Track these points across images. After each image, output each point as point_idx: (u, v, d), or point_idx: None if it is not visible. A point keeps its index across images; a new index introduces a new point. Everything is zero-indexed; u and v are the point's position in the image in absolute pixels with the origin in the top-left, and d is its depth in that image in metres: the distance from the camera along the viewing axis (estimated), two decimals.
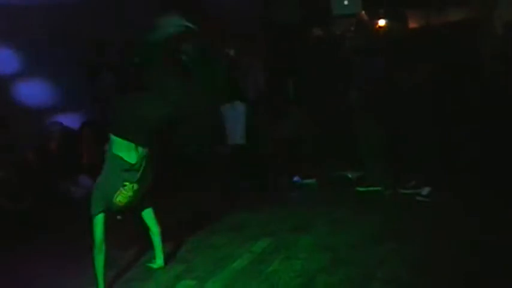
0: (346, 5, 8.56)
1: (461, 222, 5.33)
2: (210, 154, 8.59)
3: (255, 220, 6.08)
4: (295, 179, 7.51)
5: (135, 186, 4.52)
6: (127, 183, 4.47)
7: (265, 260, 4.87)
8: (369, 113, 6.79)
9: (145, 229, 4.91)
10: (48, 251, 5.77)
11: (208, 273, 4.72)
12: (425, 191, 6.31)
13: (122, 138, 4.51)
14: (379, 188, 6.68)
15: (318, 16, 8.66)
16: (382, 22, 9.50)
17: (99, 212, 4.46)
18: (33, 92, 8.05)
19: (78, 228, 6.18)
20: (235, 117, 8.11)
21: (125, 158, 4.49)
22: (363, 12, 8.69)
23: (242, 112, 8.08)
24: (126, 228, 5.09)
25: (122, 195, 4.48)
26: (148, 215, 4.84)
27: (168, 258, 5.05)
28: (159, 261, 4.95)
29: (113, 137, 4.54)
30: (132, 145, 4.51)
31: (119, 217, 4.62)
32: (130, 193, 4.50)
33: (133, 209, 4.71)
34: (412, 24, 8.54)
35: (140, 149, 4.54)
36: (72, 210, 6.85)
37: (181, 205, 6.75)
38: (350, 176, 7.16)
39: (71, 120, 8.25)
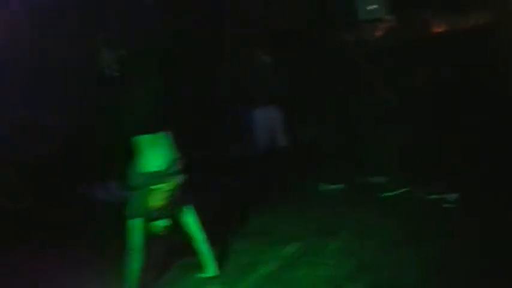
0: (371, 10, 8.57)
1: (488, 228, 5.28)
2: (231, 156, 8.71)
3: (283, 224, 6.11)
4: (321, 183, 7.54)
5: (165, 186, 4.53)
6: (157, 184, 4.50)
7: (293, 266, 4.88)
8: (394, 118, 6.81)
9: (187, 240, 4.86)
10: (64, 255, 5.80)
11: (235, 279, 4.75)
12: (453, 197, 6.28)
13: (142, 134, 4.56)
14: (406, 189, 6.68)
15: (339, 20, 8.65)
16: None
17: (135, 217, 4.49)
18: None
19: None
20: (266, 121, 8.08)
21: (151, 160, 4.52)
22: (387, 17, 8.69)
23: (276, 115, 8.06)
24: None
25: (154, 197, 4.51)
26: (191, 222, 4.79)
27: (192, 264, 5.01)
28: (211, 269, 4.85)
29: (135, 139, 4.58)
30: (157, 146, 4.54)
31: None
32: (161, 194, 4.52)
33: (172, 215, 4.71)
34: (436, 29, 8.52)
35: (165, 149, 4.57)
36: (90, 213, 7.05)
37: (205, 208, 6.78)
38: (376, 181, 7.17)
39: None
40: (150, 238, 4.63)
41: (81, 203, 7.38)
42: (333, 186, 7.38)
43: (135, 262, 4.47)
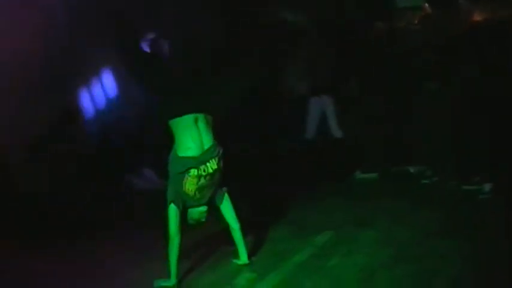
0: None
1: None
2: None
3: (317, 213, 6.09)
4: (357, 172, 7.49)
5: (201, 171, 4.49)
6: (192, 170, 4.46)
7: (326, 254, 4.85)
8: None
9: (226, 225, 4.89)
10: (109, 245, 5.87)
11: (268, 267, 4.72)
12: (487, 187, 6.19)
13: (178, 116, 4.52)
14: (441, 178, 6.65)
15: (378, 9, 8.52)
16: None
17: (171, 202, 4.51)
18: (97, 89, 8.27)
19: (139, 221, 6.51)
20: (320, 111, 8.05)
21: (186, 142, 4.49)
22: (426, 4, 8.53)
23: (330, 105, 7.99)
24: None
25: (189, 183, 4.48)
26: (227, 210, 4.79)
27: (227, 251, 5.05)
28: (243, 257, 4.85)
29: (171, 122, 4.56)
30: (194, 130, 4.51)
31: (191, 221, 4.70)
32: (197, 180, 4.48)
33: (210, 203, 4.71)
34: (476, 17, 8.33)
35: (203, 133, 4.54)
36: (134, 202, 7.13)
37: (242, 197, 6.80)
38: (412, 170, 7.10)
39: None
40: (188, 224, 4.67)
41: (129, 193, 7.53)
42: (368, 175, 7.33)
43: (174, 247, 4.48)
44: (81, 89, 8.09)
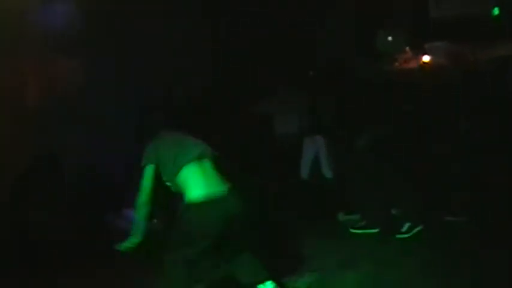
0: (391, 42, 8.58)
1: None
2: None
3: (300, 253, 6.02)
4: (340, 214, 7.47)
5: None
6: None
7: None
8: None
9: None
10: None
11: None
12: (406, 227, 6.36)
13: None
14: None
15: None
16: (426, 58, 9.51)
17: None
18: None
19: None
20: (312, 151, 8.11)
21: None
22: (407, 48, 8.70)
23: (322, 145, 8.04)
24: None
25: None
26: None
27: None
28: None
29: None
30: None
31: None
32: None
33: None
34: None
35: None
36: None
37: None
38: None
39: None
40: None
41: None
42: (351, 217, 7.30)
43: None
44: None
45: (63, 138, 7.79)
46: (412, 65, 9.50)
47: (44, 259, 6.19)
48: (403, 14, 9.65)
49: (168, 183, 4.42)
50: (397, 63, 8.76)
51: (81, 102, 8.06)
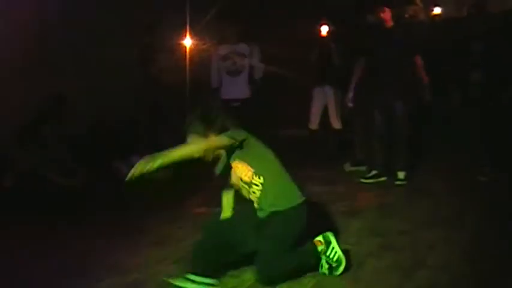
0: None
1: None
2: None
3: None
4: (346, 164, 7.54)
5: None
6: None
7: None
8: None
9: None
10: (100, 228, 5.83)
11: None
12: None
13: None
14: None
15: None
16: (437, 10, 9.34)
17: None
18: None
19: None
20: (323, 101, 8.16)
21: None
22: None
23: (331, 96, 8.08)
24: None
25: None
26: None
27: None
28: None
29: None
30: None
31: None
32: None
33: None
34: None
35: None
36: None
37: None
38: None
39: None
40: None
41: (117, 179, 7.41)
42: (358, 167, 7.36)
43: None
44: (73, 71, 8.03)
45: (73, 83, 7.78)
46: (422, 17, 9.33)
47: (48, 207, 6.21)
48: None
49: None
50: (406, 15, 8.57)
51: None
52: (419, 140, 7.22)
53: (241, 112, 7.33)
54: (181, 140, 4.15)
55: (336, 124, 8.04)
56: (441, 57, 7.72)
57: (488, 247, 4.53)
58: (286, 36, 9.22)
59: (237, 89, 7.79)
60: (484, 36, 7.11)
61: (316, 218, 5.42)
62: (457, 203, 5.74)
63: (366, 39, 7.08)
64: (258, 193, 4.13)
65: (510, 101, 6.69)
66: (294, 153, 8.13)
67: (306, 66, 8.28)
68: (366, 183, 6.86)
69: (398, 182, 6.67)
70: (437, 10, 9.56)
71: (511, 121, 6.67)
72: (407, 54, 6.59)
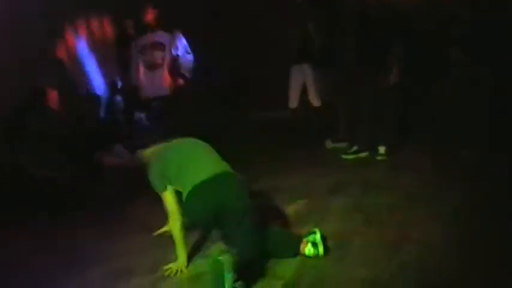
0: None
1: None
2: None
3: (290, 182, 6.13)
4: (327, 141, 7.58)
5: None
6: None
7: (300, 222, 4.90)
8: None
9: None
10: (89, 217, 5.91)
11: None
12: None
13: None
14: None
15: None
16: None
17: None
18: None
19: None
20: (300, 80, 8.00)
21: None
22: None
23: (310, 74, 7.89)
24: None
25: None
26: None
27: None
28: None
29: None
30: None
31: None
32: None
33: None
34: None
35: None
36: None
37: None
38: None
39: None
40: None
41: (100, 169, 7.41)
42: (338, 144, 7.41)
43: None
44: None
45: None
46: None
47: (36, 199, 6.24)
48: None
49: None
50: None
51: None
52: (404, 118, 7.24)
53: (160, 112, 7.13)
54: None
55: (315, 102, 8.02)
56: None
57: (471, 221, 4.56)
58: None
59: (155, 86, 7.42)
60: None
61: (299, 196, 5.59)
62: (440, 178, 5.75)
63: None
64: None
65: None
66: (275, 132, 8.30)
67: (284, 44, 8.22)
68: (347, 159, 6.91)
69: (379, 157, 6.72)
70: None
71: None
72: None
